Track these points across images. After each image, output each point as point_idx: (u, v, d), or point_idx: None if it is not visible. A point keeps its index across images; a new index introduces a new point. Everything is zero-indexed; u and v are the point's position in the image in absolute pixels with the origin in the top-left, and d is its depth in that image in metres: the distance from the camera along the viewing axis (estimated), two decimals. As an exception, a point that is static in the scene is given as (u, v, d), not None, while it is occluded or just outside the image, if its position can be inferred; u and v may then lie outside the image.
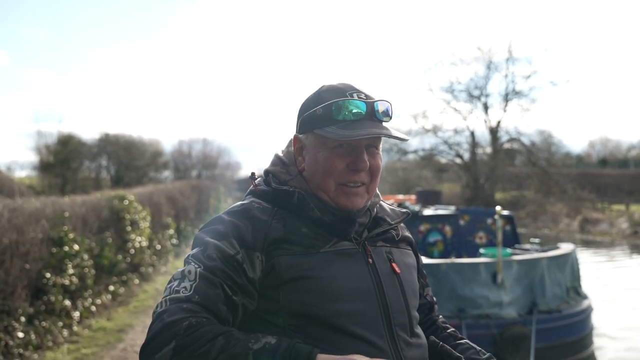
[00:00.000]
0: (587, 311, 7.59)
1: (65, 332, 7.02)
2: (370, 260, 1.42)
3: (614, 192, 35.50)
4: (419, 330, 1.47)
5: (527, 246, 9.23)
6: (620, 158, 49.61)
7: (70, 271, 7.63)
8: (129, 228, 10.91)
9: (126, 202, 11.01)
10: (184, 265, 1.34)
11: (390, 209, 1.59)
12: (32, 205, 7.56)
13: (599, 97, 78.43)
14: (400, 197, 18.61)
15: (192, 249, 1.38)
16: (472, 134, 34.84)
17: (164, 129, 76.87)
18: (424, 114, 35.17)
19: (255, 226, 1.37)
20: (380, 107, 1.43)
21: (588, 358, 7.62)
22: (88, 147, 33.13)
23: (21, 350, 6.02)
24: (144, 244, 11.68)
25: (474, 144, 34.98)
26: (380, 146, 1.48)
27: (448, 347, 1.49)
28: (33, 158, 32.93)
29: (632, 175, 41.08)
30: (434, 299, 1.68)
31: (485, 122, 34.82)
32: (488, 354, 1.50)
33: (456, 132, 34.94)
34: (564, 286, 7.41)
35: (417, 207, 10.57)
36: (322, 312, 1.30)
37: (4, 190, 14.77)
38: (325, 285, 1.32)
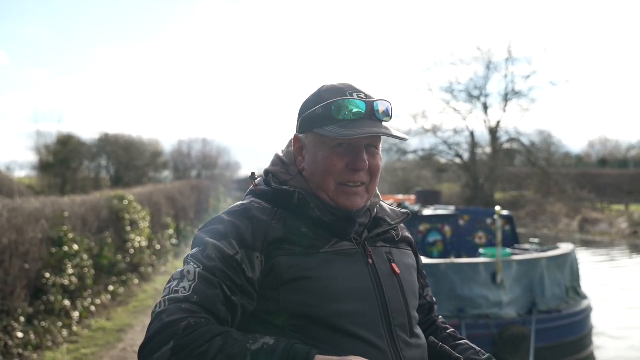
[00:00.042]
0: (587, 311, 7.60)
1: (65, 332, 7.01)
2: (370, 260, 1.42)
3: (613, 192, 35.52)
4: (418, 330, 1.47)
5: (527, 246, 9.23)
6: (620, 158, 49.61)
7: (70, 271, 7.62)
8: (128, 228, 10.90)
9: (126, 202, 11.01)
10: (184, 265, 1.34)
11: (390, 209, 1.59)
12: (32, 205, 7.56)
13: (599, 97, 78.54)
14: (400, 197, 18.65)
15: (192, 249, 1.37)
16: (472, 134, 34.90)
17: (163, 129, 77.00)
18: (423, 114, 35.26)
19: (255, 226, 1.37)
20: (380, 107, 1.43)
21: (587, 358, 7.63)
22: (87, 147, 33.10)
23: (20, 351, 6.02)
24: (144, 244, 11.68)
25: (473, 144, 35.01)
26: (380, 146, 1.48)
27: (448, 347, 1.49)
28: (32, 158, 32.99)
29: (631, 175, 41.10)
30: (434, 299, 1.68)
31: (485, 122, 34.91)
32: (487, 354, 1.50)
33: (456, 132, 34.99)
34: (564, 286, 7.41)
35: (416, 207, 10.58)
36: (322, 313, 1.30)
37: (3, 190, 14.75)
38: (325, 285, 1.32)
